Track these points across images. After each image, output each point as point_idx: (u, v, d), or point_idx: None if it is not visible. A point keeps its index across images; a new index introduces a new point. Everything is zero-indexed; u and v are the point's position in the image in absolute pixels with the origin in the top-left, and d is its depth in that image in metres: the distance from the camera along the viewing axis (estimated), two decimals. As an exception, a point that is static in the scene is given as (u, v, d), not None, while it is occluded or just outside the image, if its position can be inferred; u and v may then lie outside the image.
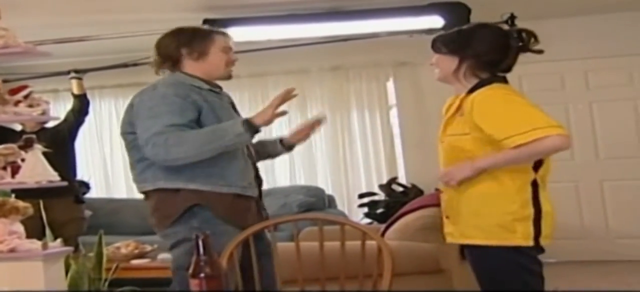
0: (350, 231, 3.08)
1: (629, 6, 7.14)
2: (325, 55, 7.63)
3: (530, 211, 2.99)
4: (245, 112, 8.26)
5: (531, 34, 3.14)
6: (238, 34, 6.52)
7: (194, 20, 6.20)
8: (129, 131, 3.44)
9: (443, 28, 6.09)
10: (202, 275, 1.89)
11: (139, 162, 3.42)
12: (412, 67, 7.51)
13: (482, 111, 3.00)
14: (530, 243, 2.99)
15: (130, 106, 3.48)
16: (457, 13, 6.21)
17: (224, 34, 3.72)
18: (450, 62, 3.14)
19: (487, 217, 3.03)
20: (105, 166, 8.73)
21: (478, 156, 3.01)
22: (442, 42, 3.19)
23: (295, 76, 8.15)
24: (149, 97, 3.41)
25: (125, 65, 7.28)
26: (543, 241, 3.02)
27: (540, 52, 3.12)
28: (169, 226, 3.34)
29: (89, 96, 6.35)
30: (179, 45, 3.55)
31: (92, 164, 8.67)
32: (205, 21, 6.37)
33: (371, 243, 3.00)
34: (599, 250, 7.52)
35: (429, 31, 6.28)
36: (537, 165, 3.02)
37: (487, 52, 3.11)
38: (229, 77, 3.67)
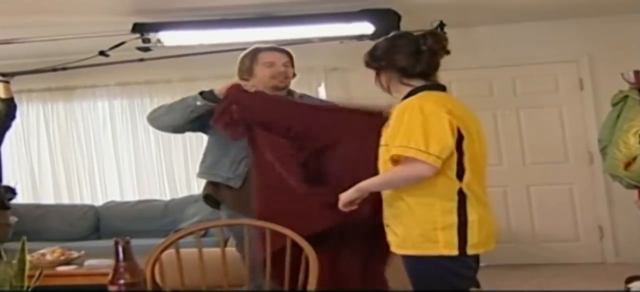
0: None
1: (555, 15, 7.32)
2: (258, 60, 7.62)
3: (454, 219, 2.98)
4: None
5: (437, 38, 3.21)
6: (168, 38, 6.53)
7: (124, 24, 6.18)
8: None
9: (373, 34, 6.15)
10: (121, 281, 1.88)
11: None
12: (344, 72, 7.55)
13: (391, 123, 3.07)
14: (454, 252, 2.96)
15: None
16: (387, 20, 6.26)
17: (271, 50, 4.20)
18: (376, 77, 3.25)
19: (412, 228, 3.02)
20: (32, 171, 8.56)
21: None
22: (366, 61, 3.30)
23: (226, 81, 8.08)
24: None
25: (53, 69, 7.14)
26: (471, 250, 3.00)
27: (446, 52, 3.22)
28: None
29: (16, 100, 6.21)
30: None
31: (18, 169, 8.49)
32: (135, 25, 6.32)
33: (297, 248, 3.02)
34: (526, 254, 7.67)
35: (360, 37, 6.36)
36: (460, 174, 3.01)
37: (400, 59, 3.16)
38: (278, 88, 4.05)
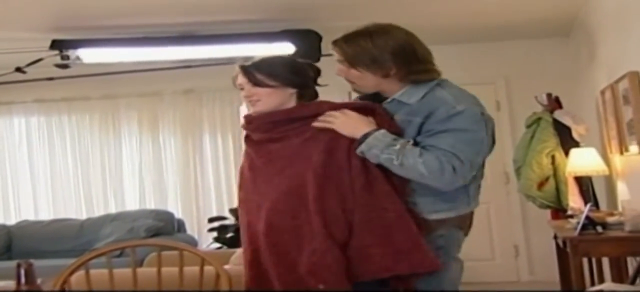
0: (193, 257, 3.09)
1: (473, 38, 7.49)
2: (179, 78, 7.60)
3: None
4: (95, 135, 8.14)
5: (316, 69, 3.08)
6: (88, 55, 6.47)
7: (43, 40, 6.10)
8: None
9: (294, 54, 6.19)
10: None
11: None
12: (266, 92, 7.59)
13: None
14: None
15: None
16: (308, 40, 6.33)
17: None
18: (288, 96, 2.96)
19: None
20: None
21: None
22: (272, 75, 2.92)
23: (148, 99, 8.06)
24: None
25: (-30, 85, 7.02)
26: None
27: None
28: None
29: None
30: None
31: None
32: (54, 42, 6.24)
33: (211, 268, 3.03)
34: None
35: (281, 57, 6.40)
36: None
37: (308, 84, 3.05)
38: None
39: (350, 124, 2.84)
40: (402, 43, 2.87)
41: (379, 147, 2.77)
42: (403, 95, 2.88)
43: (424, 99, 2.85)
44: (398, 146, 2.76)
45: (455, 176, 2.77)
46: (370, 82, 2.90)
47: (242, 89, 2.99)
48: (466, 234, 3.10)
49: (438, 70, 2.96)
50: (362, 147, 2.77)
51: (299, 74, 2.99)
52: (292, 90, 2.96)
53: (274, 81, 2.92)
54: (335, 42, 2.93)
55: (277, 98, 2.95)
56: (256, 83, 2.92)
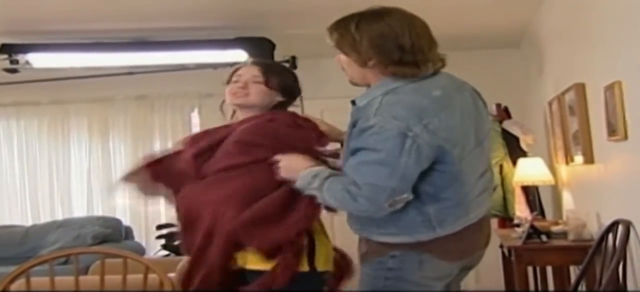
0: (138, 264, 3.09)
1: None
2: (131, 84, 7.54)
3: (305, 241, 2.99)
4: (43, 141, 7.99)
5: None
6: (38, 60, 6.42)
7: (-9, 44, 6.02)
8: None
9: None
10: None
11: None
12: (218, 98, 7.52)
13: None
14: (306, 268, 2.97)
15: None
16: (261, 48, 6.35)
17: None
18: (274, 95, 3.12)
19: None
20: None
21: None
22: (274, 74, 3.13)
23: (99, 104, 7.95)
24: None
25: None
26: (321, 267, 3.00)
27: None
28: None
29: None
30: None
31: None
32: (3, 46, 6.17)
33: (156, 276, 3.03)
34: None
35: (234, 64, 6.40)
36: None
37: (292, 92, 3.16)
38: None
39: (289, 169, 2.80)
40: (385, 30, 2.57)
41: (306, 188, 2.73)
42: (359, 98, 2.65)
43: (366, 104, 2.58)
44: (316, 184, 2.69)
45: (356, 203, 2.53)
46: (356, 72, 2.67)
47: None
48: (447, 259, 2.79)
49: (428, 66, 2.69)
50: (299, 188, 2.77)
51: None
52: None
53: None
54: (329, 27, 2.73)
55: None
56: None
